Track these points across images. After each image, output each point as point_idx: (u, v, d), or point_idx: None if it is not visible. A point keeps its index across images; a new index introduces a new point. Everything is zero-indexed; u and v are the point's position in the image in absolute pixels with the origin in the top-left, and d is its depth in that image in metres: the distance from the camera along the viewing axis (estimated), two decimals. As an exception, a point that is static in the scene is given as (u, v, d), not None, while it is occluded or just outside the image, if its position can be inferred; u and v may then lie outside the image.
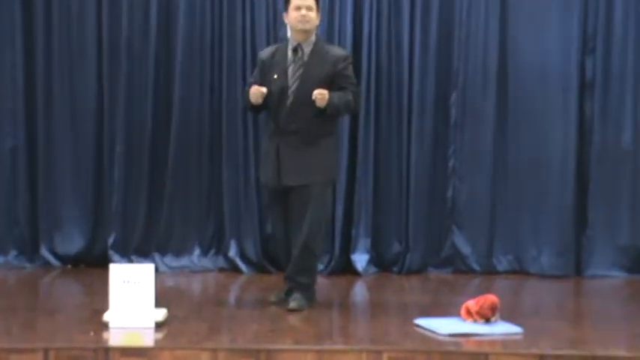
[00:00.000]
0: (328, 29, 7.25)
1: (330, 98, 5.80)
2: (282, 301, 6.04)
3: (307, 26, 5.91)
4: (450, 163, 7.49)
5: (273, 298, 6.18)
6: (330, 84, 5.86)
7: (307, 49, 5.93)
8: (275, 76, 5.94)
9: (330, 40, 6.99)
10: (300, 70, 5.93)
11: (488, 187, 7.47)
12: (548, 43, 7.37)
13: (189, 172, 7.42)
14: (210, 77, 7.39)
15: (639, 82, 7.39)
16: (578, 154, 7.41)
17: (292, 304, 5.85)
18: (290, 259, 6.03)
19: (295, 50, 5.94)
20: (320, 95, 5.77)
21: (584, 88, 7.42)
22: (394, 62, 7.37)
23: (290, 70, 5.95)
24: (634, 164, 7.41)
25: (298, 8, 5.90)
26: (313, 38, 5.97)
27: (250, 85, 5.99)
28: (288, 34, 6.08)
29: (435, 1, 7.38)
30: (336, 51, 6.14)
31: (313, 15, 5.94)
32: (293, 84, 5.93)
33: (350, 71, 6.04)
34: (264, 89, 5.84)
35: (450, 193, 7.51)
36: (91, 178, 7.45)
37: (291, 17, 5.94)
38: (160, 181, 7.41)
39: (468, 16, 7.41)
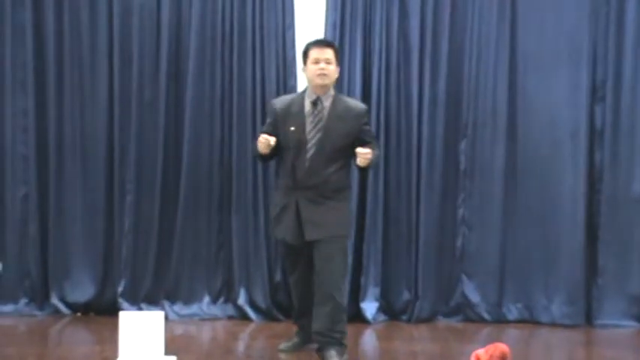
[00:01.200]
0: (337, 82, 7.18)
1: (371, 154, 5.76)
2: (292, 350, 6.11)
3: (326, 81, 5.85)
4: (460, 212, 7.44)
5: (282, 347, 6.18)
6: (352, 138, 5.82)
7: (327, 103, 5.86)
8: (292, 128, 5.81)
9: (339, 90, 6.85)
10: (321, 124, 5.84)
11: (498, 235, 7.41)
12: (558, 91, 7.34)
13: (198, 221, 7.37)
14: (221, 127, 7.34)
15: None
16: (588, 203, 7.35)
17: None
18: (309, 310, 6.00)
19: (315, 103, 5.85)
20: (365, 155, 5.69)
21: (594, 136, 7.38)
22: (403, 113, 7.34)
23: (308, 124, 5.85)
24: None
25: (317, 62, 5.85)
26: (332, 91, 5.92)
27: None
28: (303, 84, 6.05)
29: (444, 53, 7.36)
30: (356, 105, 6.05)
31: (332, 68, 5.88)
32: (313, 137, 5.83)
33: (370, 125, 6.07)
34: (272, 139, 5.76)
35: (459, 242, 7.45)
36: (101, 226, 7.39)
37: (310, 71, 5.88)
38: (169, 229, 7.37)
39: (477, 66, 7.39)
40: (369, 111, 6.13)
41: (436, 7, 7.35)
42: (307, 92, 5.92)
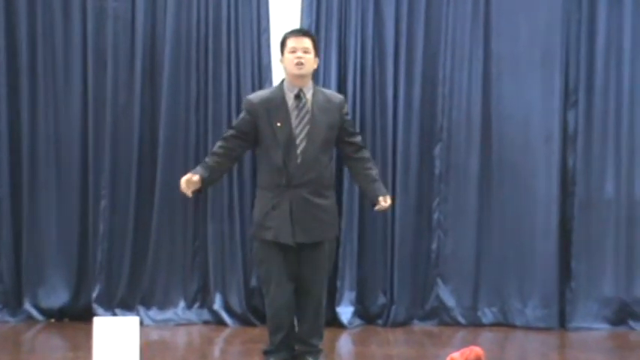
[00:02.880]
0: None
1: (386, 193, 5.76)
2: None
3: (303, 71, 5.57)
4: (435, 216, 7.38)
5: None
6: (336, 129, 5.65)
7: (309, 95, 5.63)
8: (278, 124, 5.56)
9: None
10: (307, 117, 5.60)
11: (473, 239, 7.37)
12: (531, 96, 7.31)
13: (174, 227, 7.32)
14: (196, 132, 7.28)
15: (620, 134, 7.34)
16: (561, 206, 7.34)
17: None
18: (289, 319, 5.76)
19: (298, 96, 5.60)
20: (386, 205, 5.71)
21: (567, 140, 7.37)
22: (378, 117, 7.29)
23: (294, 118, 5.59)
24: (617, 216, 7.34)
25: (294, 50, 5.60)
26: (311, 83, 5.70)
27: (237, 129, 5.70)
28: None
29: (419, 58, 7.32)
30: (334, 95, 5.86)
31: (310, 58, 5.63)
32: (302, 131, 5.59)
33: (348, 116, 5.88)
34: (195, 178, 5.55)
35: (434, 246, 7.39)
36: (76, 232, 7.32)
37: (287, 60, 5.63)
38: (144, 234, 7.31)
39: (451, 71, 7.35)
40: (346, 100, 5.98)
41: (411, 13, 7.31)
42: (286, 85, 5.67)
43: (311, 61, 5.62)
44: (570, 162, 7.33)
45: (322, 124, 5.58)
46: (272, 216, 5.63)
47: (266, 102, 5.64)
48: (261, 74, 7.23)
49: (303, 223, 5.59)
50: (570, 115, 7.33)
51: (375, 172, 5.79)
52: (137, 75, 7.22)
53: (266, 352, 5.79)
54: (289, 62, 5.60)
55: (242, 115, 5.81)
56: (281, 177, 5.58)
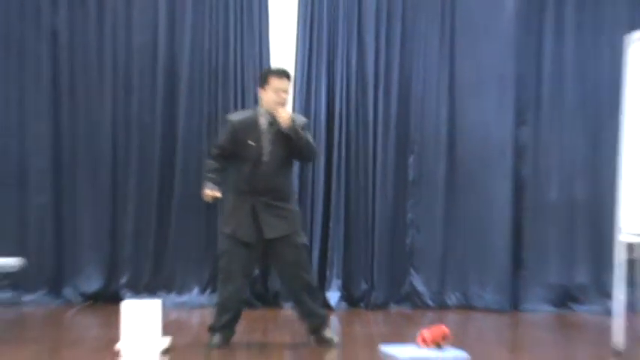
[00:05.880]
0: (306, 107, 7.29)
1: (294, 121, 5.53)
2: (224, 344, 5.64)
3: (283, 107, 5.57)
4: (408, 216, 7.47)
5: (213, 344, 5.65)
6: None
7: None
8: (250, 143, 5.55)
9: (307, 115, 6.94)
10: (274, 137, 5.56)
11: (440, 235, 7.46)
12: (489, 116, 7.41)
13: (188, 226, 7.38)
14: (207, 145, 7.26)
15: (563, 147, 7.45)
16: (514, 208, 7.44)
17: (331, 335, 5.69)
18: (240, 311, 5.69)
19: (272, 124, 5.56)
20: (284, 115, 5.50)
21: (518, 152, 7.46)
22: (361, 133, 7.39)
23: (264, 139, 5.57)
24: (560, 216, 7.44)
25: (277, 90, 5.56)
26: None
27: (221, 148, 5.69)
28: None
29: (395, 83, 7.42)
30: (299, 119, 5.74)
31: (288, 96, 5.66)
32: (266, 149, 5.57)
33: (309, 133, 5.79)
34: (218, 194, 5.60)
35: (408, 241, 7.48)
36: (107, 230, 7.42)
37: (269, 98, 5.57)
38: (164, 232, 7.38)
39: (422, 94, 7.45)
40: (308, 124, 5.86)
41: (388, 45, 7.40)
42: (261, 111, 5.61)
43: (286, 99, 5.60)
44: (521, 171, 7.43)
45: (284, 142, 5.53)
46: (236, 216, 5.61)
47: (243, 123, 5.62)
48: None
49: (270, 222, 5.55)
50: (521, 132, 7.43)
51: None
52: (159, 98, 7.32)
53: (211, 328, 5.67)
54: (271, 99, 5.54)
55: (223, 131, 5.80)
56: (246, 185, 5.57)
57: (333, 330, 5.71)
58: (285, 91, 5.61)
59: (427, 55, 7.46)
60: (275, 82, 5.59)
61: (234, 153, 5.64)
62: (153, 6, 7.35)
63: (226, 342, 5.65)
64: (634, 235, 5.65)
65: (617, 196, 5.82)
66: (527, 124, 7.47)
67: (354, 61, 7.41)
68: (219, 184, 5.64)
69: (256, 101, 7.20)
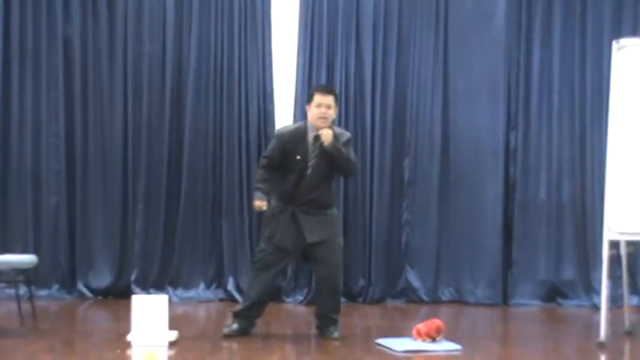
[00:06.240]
0: (306, 111, 7.23)
1: (335, 138, 5.50)
2: (237, 334, 5.67)
3: (326, 123, 5.53)
4: (404, 215, 7.47)
5: (227, 332, 5.69)
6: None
7: None
8: (298, 157, 5.53)
9: None
10: (317, 151, 5.54)
11: (434, 233, 7.47)
12: (480, 120, 7.43)
13: (195, 224, 7.39)
14: (213, 147, 7.38)
15: (551, 151, 7.47)
16: (505, 208, 7.45)
17: (336, 335, 5.63)
18: (263, 301, 5.73)
19: (316, 138, 5.52)
20: (327, 133, 5.47)
21: (509, 155, 7.48)
22: (359, 136, 7.37)
23: (310, 153, 5.55)
24: (548, 216, 7.45)
25: (319, 105, 5.53)
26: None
27: (270, 158, 5.66)
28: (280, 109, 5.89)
29: (391, 88, 7.44)
30: (343, 133, 5.71)
31: (332, 112, 5.57)
32: (311, 162, 5.55)
33: (351, 147, 5.73)
34: (265, 206, 5.62)
35: (403, 239, 7.48)
36: (118, 228, 7.43)
37: (312, 113, 5.55)
38: (172, 230, 7.39)
39: (417, 99, 7.46)
40: (352, 138, 5.80)
41: (385, 54, 7.42)
42: (309, 126, 5.58)
43: (332, 114, 5.56)
44: (511, 172, 7.45)
45: (326, 159, 5.53)
46: (277, 223, 5.61)
47: (293, 136, 5.60)
48: (265, 102, 7.30)
49: (311, 227, 5.56)
50: (511, 136, 7.45)
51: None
52: (166, 102, 7.33)
53: (233, 314, 5.74)
54: (314, 115, 5.53)
55: (273, 143, 5.75)
56: (289, 193, 5.59)
57: (339, 330, 5.72)
58: (329, 107, 5.56)
59: (422, 63, 7.47)
60: (318, 98, 5.57)
61: (281, 164, 5.64)
62: (161, 16, 7.37)
63: (243, 331, 5.67)
64: (619, 233, 5.67)
65: (603, 197, 5.83)
66: (516, 128, 7.49)
67: (352, 68, 7.42)
68: (267, 194, 5.66)
69: (259, 105, 7.37)
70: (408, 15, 7.44)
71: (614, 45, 5.76)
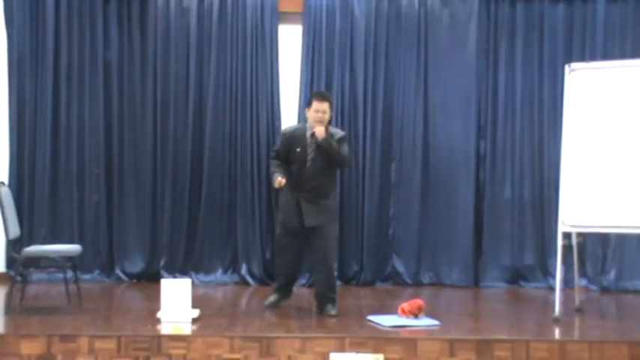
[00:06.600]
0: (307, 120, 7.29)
1: (328, 135, 5.64)
2: (275, 305, 5.94)
3: (321, 125, 5.70)
4: (391, 211, 7.45)
5: (268, 303, 5.99)
6: None
7: None
8: (298, 150, 5.71)
9: None
10: (314, 146, 5.71)
11: (416, 227, 7.42)
12: (455, 131, 7.41)
13: (214, 219, 7.33)
14: (229, 153, 7.34)
15: (514, 157, 7.45)
16: (476, 205, 7.43)
17: (334, 312, 5.69)
18: (292, 280, 5.96)
19: (312, 135, 5.72)
20: (320, 130, 5.60)
21: (479, 161, 7.46)
22: (352, 143, 7.25)
23: (308, 148, 5.73)
24: (512, 212, 7.44)
25: (317, 111, 5.69)
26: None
27: (275, 161, 5.88)
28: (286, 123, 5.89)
29: (380, 102, 7.39)
30: (337, 132, 5.90)
31: (327, 116, 5.73)
32: (310, 155, 5.71)
33: (345, 145, 5.84)
34: (283, 181, 5.68)
35: (390, 231, 7.45)
36: (148, 222, 7.38)
37: (311, 116, 5.72)
38: (194, 223, 7.35)
39: (402, 112, 7.42)
40: (346, 136, 5.96)
41: (375, 72, 7.36)
42: (308, 126, 5.78)
43: (327, 118, 5.72)
44: (481, 175, 7.43)
45: (323, 153, 5.68)
46: (286, 208, 5.81)
47: (292, 133, 5.83)
48: (273, 116, 7.27)
49: (310, 213, 5.66)
50: (481, 144, 7.43)
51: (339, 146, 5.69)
52: (189, 116, 7.28)
53: (273, 289, 6.04)
54: (312, 117, 5.70)
55: (278, 140, 6.15)
56: (294, 183, 5.73)
57: (336, 308, 5.74)
58: (324, 112, 5.71)
59: (406, 82, 7.45)
60: (315, 105, 5.72)
61: (285, 157, 5.80)
62: (185, 42, 7.36)
63: (281, 300, 5.92)
64: (571, 226, 5.77)
65: (558, 196, 5.90)
66: (485, 138, 7.48)
67: (347, 86, 7.39)
68: (282, 175, 5.76)
69: (268, 120, 7.35)
70: (394, 41, 7.43)
71: (567, 68, 5.88)
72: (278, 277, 6.05)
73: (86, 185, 7.36)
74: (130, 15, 7.32)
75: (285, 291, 6.03)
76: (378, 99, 7.42)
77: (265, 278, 7.26)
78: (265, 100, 7.32)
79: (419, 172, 7.44)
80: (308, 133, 5.74)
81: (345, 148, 5.81)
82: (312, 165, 5.70)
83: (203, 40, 7.36)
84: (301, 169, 5.71)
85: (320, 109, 5.69)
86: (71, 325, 5.28)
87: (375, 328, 5.30)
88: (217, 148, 7.36)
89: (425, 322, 5.49)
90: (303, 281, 7.20)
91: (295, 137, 5.77)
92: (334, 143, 5.68)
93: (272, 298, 5.99)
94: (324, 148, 5.65)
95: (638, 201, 5.53)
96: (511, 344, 4.94)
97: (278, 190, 6.02)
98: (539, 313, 6.24)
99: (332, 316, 5.64)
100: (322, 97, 5.78)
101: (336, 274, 5.92)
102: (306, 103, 7.05)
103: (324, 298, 5.75)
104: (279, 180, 5.71)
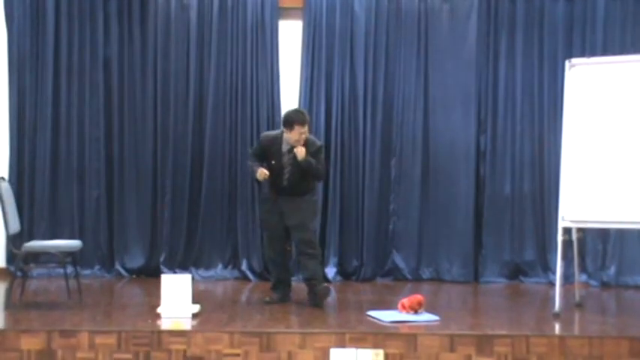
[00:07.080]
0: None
1: (307, 155, 5.74)
2: (275, 302, 5.98)
3: (301, 145, 5.79)
4: (391, 207, 7.44)
5: (267, 300, 6.06)
6: None
7: None
8: (273, 162, 5.84)
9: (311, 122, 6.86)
10: (291, 161, 5.83)
11: (416, 222, 7.42)
12: (455, 125, 7.39)
13: (214, 215, 7.34)
14: (229, 150, 7.35)
15: (515, 152, 7.42)
16: (476, 200, 7.41)
17: (320, 287, 5.85)
18: (283, 277, 6.05)
19: (290, 150, 5.83)
20: (300, 151, 5.72)
21: (479, 156, 7.44)
22: (353, 140, 7.36)
23: (284, 159, 5.85)
24: (512, 206, 7.41)
25: (300, 134, 5.76)
26: None
27: (253, 157, 5.98)
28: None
29: (380, 99, 7.39)
30: (314, 142, 5.94)
31: (306, 135, 5.81)
32: (286, 169, 5.84)
33: (321, 155, 5.94)
34: (267, 173, 5.78)
35: (390, 227, 7.45)
36: (149, 218, 7.39)
37: (293, 137, 5.76)
38: (194, 218, 7.36)
39: (402, 108, 7.42)
40: (322, 146, 6.03)
41: (375, 67, 7.36)
42: (285, 137, 5.84)
43: (306, 136, 5.79)
44: (481, 170, 7.40)
45: (299, 166, 5.80)
46: (266, 205, 6.04)
47: (270, 143, 5.90)
48: (273, 111, 7.26)
49: (289, 212, 5.83)
50: (481, 139, 7.40)
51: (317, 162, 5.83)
52: (190, 112, 7.28)
53: (271, 287, 6.13)
54: (294, 139, 5.75)
55: (257, 143, 6.20)
56: (273, 186, 5.90)
57: (323, 287, 5.87)
58: (305, 132, 5.81)
59: (406, 77, 7.44)
60: (298, 128, 5.77)
61: (261, 160, 5.92)
62: (185, 38, 7.35)
63: (277, 302, 5.95)
64: (571, 221, 5.75)
65: (558, 191, 5.87)
66: (486, 132, 7.45)
67: (347, 82, 7.39)
68: (263, 167, 5.87)
69: (268, 115, 7.33)
70: (394, 37, 7.42)
71: (567, 63, 5.86)
72: (270, 273, 6.28)
73: (86, 180, 7.34)
74: (131, 11, 7.31)
75: (280, 291, 6.05)
76: (378, 94, 7.40)
77: (265, 274, 7.20)
78: (265, 95, 7.31)
79: (419, 167, 7.42)
80: (284, 147, 5.82)
81: (321, 160, 5.94)
82: (291, 177, 5.84)
83: (203, 35, 7.35)
84: (277, 177, 5.87)
85: (302, 131, 5.77)
86: (71, 320, 5.28)
87: (375, 324, 5.29)
88: (217, 144, 7.35)
89: (425, 317, 5.47)
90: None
91: (272, 150, 5.87)
92: (313, 161, 5.79)
93: (268, 298, 6.05)
94: (302, 166, 5.76)
95: (638, 196, 5.53)
96: (511, 339, 4.92)
97: (260, 184, 6.15)
98: (539, 308, 6.23)
99: (321, 292, 5.78)
100: (304, 121, 5.82)
101: (320, 259, 6.05)
102: (306, 102, 7.18)
103: (312, 281, 5.86)
104: (262, 171, 5.78)
